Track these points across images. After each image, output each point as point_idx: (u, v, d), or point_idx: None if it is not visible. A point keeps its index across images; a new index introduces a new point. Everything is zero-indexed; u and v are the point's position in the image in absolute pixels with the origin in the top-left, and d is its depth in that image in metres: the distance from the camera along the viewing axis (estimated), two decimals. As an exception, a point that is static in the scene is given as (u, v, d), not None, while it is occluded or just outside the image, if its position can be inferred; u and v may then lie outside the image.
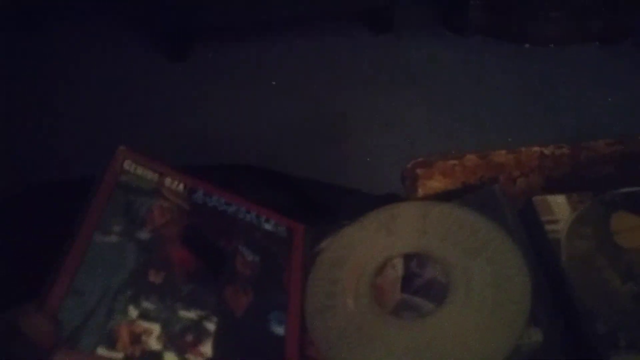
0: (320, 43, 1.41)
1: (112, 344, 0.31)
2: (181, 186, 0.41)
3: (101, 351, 0.30)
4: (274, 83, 1.33)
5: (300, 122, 1.24)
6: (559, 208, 0.40)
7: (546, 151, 0.47)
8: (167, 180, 0.41)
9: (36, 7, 1.43)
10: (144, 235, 0.36)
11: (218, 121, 1.24)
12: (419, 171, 0.51)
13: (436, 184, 0.49)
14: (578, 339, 0.34)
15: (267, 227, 0.44)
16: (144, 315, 0.33)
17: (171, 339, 0.33)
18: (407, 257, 0.41)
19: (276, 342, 0.36)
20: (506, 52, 1.40)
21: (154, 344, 0.32)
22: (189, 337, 0.33)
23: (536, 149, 0.48)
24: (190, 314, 0.34)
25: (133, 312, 0.33)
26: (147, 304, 0.33)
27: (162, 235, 0.37)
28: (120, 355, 0.30)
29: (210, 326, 0.35)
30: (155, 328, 0.33)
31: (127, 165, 0.39)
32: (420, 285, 0.39)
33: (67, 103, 1.27)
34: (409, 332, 0.37)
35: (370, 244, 0.43)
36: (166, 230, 0.38)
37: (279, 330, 0.37)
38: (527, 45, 1.41)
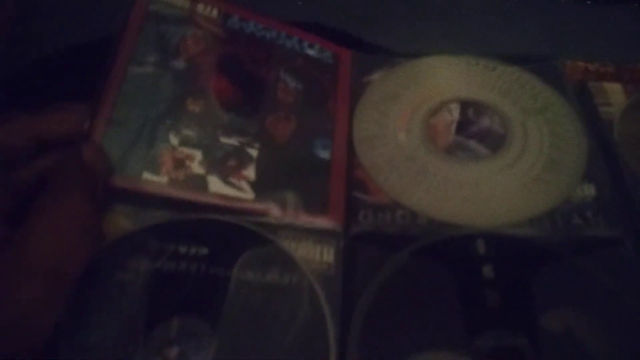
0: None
1: (156, 169, 0.31)
2: (215, 12, 0.39)
3: (147, 176, 0.30)
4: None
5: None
6: (613, 94, 0.40)
7: (591, 67, 0.47)
8: (200, 7, 0.38)
9: None
10: (179, 64, 0.35)
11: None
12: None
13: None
14: (626, 203, 0.35)
15: (311, 52, 0.41)
16: (185, 142, 0.32)
17: (213, 164, 0.32)
18: (465, 104, 0.39)
19: (322, 165, 0.35)
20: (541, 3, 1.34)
21: (197, 168, 0.32)
22: (232, 162, 0.33)
23: (581, 63, 0.47)
24: (232, 141, 0.34)
25: (174, 139, 0.32)
26: (187, 132, 0.33)
27: (198, 64, 0.36)
28: (164, 179, 0.31)
29: (252, 152, 0.34)
30: (197, 154, 0.32)
31: (155, -8, 0.37)
32: (476, 131, 0.38)
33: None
34: (461, 170, 0.36)
35: (427, 86, 0.40)
36: (202, 59, 0.36)
37: (325, 154, 0.36)
38: (563, -1, 1.32)
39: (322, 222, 0.33)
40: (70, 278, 0.24)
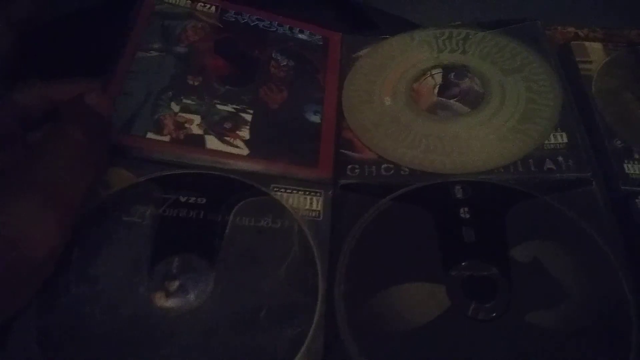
0: None
1: (159, 130, 0.35)
2: (212, 8, 0.43)
3: (150, 135, 0.34)
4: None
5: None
6: (594, 52, 0.43)
7: (580, 33, 0.49)
8: (199, 5, 0.43)
9: None
10: (180, 49, 0.40)
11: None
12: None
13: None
14: (599, 152, 0.37)
15: (302, 36, 0.45)
16: (185, 109, 0.37)
17: (211, 126, 0.36)
18: (446, 69, 0.42)
19: (312, 127, 0.39)
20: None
21: (195, 129, 0.36)
22: (228, 125, 0.37)
23: (571, 29, 0.50)
24: (228, 108, 0.38)
25: (175, 107, 0.36)
26: (187, 101, 0.37)
27: (197, 48, 0.40)
28: (166, 138, 0.35)
29: (247, 116, 0.38)
30: (196, 118, 0.36)
31: (163, -6, 0.42)
32: (457, 92, 0.41)
33: None
34: (441, 126, 0.39)
35: (411, 56, 0.44)
36: (200, 44, 0.41)
37: (315, 118, 0.39)
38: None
39: (311, 174, 0.36)
40: (66, 201, 0.26)
